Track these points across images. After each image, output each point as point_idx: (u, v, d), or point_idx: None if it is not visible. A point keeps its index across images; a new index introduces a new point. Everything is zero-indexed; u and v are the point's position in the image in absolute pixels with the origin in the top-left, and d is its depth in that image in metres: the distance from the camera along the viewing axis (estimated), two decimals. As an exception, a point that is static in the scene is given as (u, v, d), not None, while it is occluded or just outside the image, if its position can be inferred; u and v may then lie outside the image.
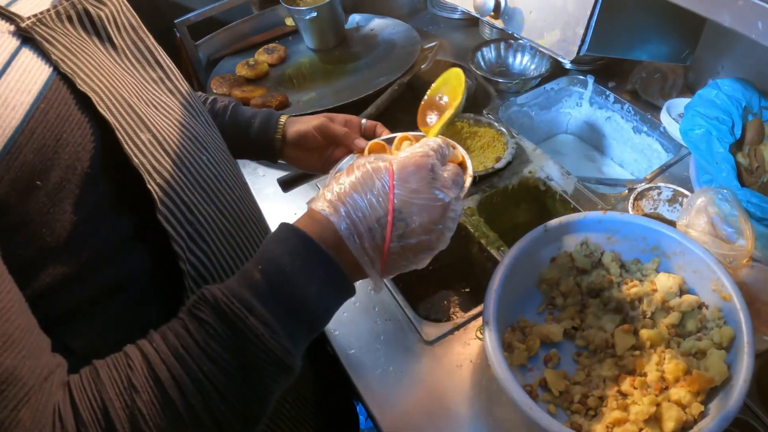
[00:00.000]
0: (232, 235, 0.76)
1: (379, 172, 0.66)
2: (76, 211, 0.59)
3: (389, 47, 1.62)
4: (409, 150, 0.70)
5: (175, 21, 1.60)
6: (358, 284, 0.71)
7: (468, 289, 1.22)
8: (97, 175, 0.61)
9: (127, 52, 0.72)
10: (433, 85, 1.03)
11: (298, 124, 1.05)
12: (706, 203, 1.00)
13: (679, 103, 1.36)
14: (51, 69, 0.59)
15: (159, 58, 0.77)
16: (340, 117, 1.05)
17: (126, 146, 0.62)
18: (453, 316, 1.06)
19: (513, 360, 0.93)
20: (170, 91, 0.77)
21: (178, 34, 1.62)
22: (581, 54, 0.99)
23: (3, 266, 0.53)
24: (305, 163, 1.09)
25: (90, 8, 0.67)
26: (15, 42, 0.57)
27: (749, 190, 1.04)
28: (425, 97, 1.02)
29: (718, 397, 0.85)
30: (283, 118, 1.06)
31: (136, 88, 0.70)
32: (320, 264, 0.62)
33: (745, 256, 0.96)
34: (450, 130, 1.40)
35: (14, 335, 0.51)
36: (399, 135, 1.00)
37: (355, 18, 1.77)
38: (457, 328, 1.04)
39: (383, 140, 0.99)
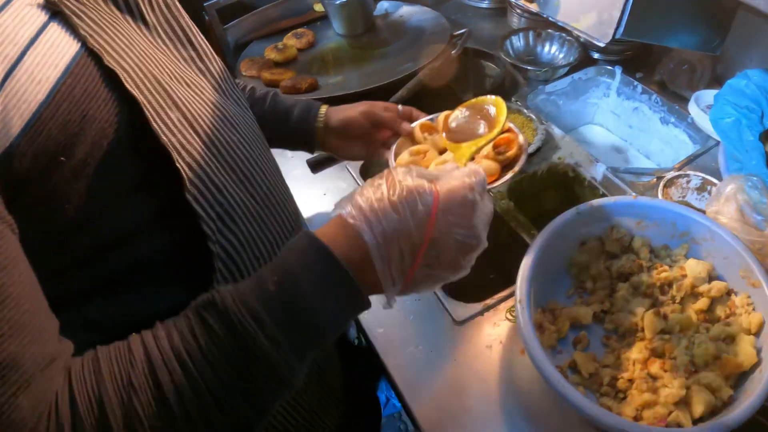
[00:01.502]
0: (262, 217, 0.75)
1: (423, 194, 0.63)
2: (101, 187, 0.58)
3: (418, 34, 1.62)
4: (456, 174, 0.67)
5: (205, 4, 1.61)
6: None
7: (497, 271, 1.23)
8: (124, 153, 0.60)
9: (160, 30, 0.72)
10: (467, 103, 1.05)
11: (342, 112, 1.06)
12: (735, 190, 1.00)
13: (707, 95, 1.36)
14: (79, 44, 0.58)
15: (192, 37, 0.76)
16: (380, 103, 1.08)
17: (154, 123, 0.61)
18: (483, 297, 1.07)
19: (543, 341, 0.93)
20: (201, 71, 0.76)
21: (207, 18, 1.63)
22: (617, 37, 0.99)
23: (19, 248, 0.52)
24: (348, 151, 1.11)
25: None
26: (44, 16, 0.56)
27: (779, 178, 1.04)
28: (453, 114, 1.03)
29: (746, 383, 0.86)
30: (323, 108, 1.08)
31: (168, 67, 0.69)
32: (340, 285, 0.61)
33: (775, 243, 0.96)
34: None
35: (20, 321, 0.50)
36: (443, 114, 1.03)
37: (383, 5, 1.77)
38: (487, 309, 1.05)
39: (428, 120, 1.06)
